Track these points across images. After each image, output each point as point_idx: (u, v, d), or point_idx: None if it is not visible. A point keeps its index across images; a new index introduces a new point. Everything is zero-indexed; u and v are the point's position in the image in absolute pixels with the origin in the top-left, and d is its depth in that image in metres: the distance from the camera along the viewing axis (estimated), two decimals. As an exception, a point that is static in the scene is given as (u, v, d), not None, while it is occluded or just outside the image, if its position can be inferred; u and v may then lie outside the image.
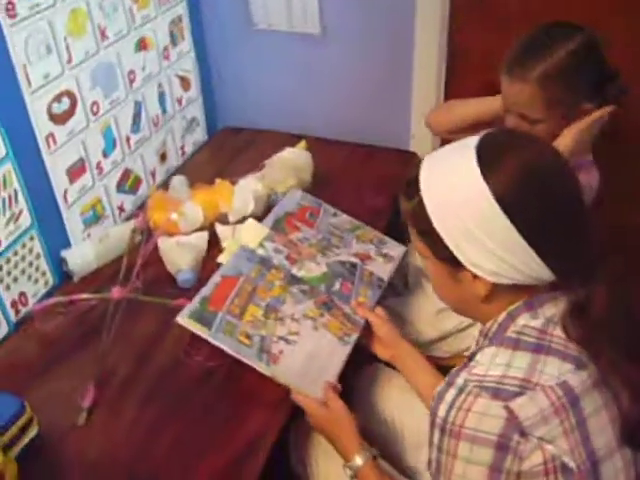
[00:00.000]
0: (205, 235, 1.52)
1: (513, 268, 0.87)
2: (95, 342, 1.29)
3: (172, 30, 1.76)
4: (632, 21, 1.58)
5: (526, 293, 0.91)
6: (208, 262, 1.48)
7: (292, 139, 1.84)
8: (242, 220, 1.53)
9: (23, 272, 1.38)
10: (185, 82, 1.87)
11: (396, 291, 1.73)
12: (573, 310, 0.87)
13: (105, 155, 1.58)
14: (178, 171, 1.87)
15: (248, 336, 1.21)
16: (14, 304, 1.37)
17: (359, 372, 1.47)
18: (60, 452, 1.14)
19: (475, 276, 0.89)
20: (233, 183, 1.63)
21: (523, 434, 0.81)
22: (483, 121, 1.41)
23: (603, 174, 1.36)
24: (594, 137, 1.33)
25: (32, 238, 1.39)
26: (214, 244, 1.52)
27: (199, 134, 2.00)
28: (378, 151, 1.92)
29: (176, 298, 1.34)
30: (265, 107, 2.04)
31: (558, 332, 0.88)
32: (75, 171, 1.49)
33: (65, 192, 1.47)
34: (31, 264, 1.40)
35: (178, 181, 1.67)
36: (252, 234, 1.41)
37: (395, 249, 1.51)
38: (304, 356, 1.22)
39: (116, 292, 1.33)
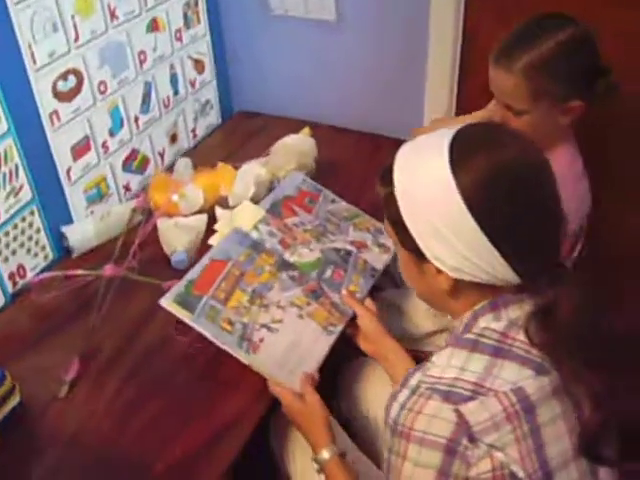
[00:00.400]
0: (204, 218, 1.53)
1: (476, 267, 0.85)
2: (87, 317, 1.31)
3: (186, 12, 1.77)
4: (626, 13, 1.52)
5: (492, 293, 0.89)
6: (205, 245, 1.49)
7: (304, 126, 1.84)
8: (242, 204, 1.54)
9: (22, 245, 1.41)
10: (199, 65, 1.87)
11: (395, 282, 1.71)
12: (538, 314, 0.85)
13: (112, 134, 1.60)
14: (188, 153, 1.88)
15: (230, 322, 1.21)
16: (12, 276, 1.40)
17: (345, 366, 1.47)
18: (40, 423, 1.17)
19: (438, 270, 0.88)
20: (237, 167, 1.64)
21: (472, 439, 0.80)
22: None
23: (599, 174, 1.32)
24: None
25: (32, 213, 1.42)
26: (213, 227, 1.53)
27: (213, 117, 2.01)
28: (388, 141, 1.89)
29: (169, 279, 1.36)
30: (280, 93, 2.04)
31: (521, 336, 0.86)
32: (80, 149, 1.51)
33: (68, 169, 1.50)
34: (30, 238, 1.43)
35: (183, 163, 1.68)
36: (247, 216, 1.41)
37: (392, 240, 1.50)
38: (285, 345, 1.22)
39: (108, 270, 1.35)
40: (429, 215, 0.85)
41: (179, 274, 1.32)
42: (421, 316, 1.61)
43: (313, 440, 1.12)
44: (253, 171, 1.60)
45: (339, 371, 1.49)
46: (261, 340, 1.21)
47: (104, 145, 1.59)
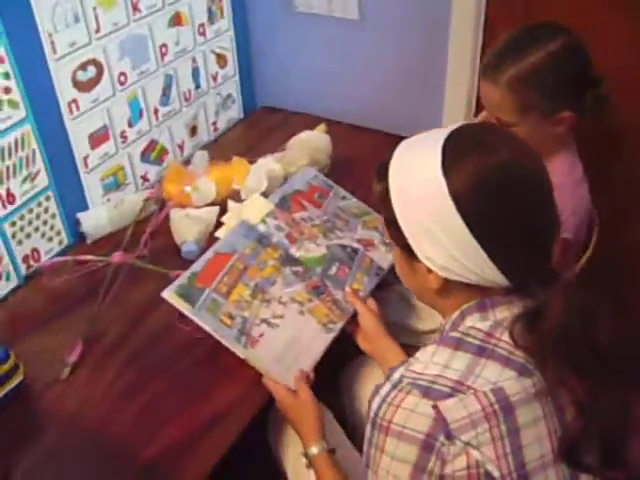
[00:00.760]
0: (215, 210, 1.55)
1: (465, 267, 0.85)
2: (94, 302, 1.34)
3: (210, 7, 1.79)
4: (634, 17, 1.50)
5: (481, 293, 0.89)
6: (215, 237, 1.51)
7: (323, 122, 1.85)
8: (254, 199, 1.55)
9: (37, 229, 1.45)
10: (221, 59, 1.90)
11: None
12: (524, 316, 0.85)
13: (130, 125, 1.64)
14: (208, 146, 1.90)
15: (231, 316, 1.23)
16: (26, 259, 1.44)
17: (346, 365, 1.47)
18: (40, 402, 1.20)
19: (429, 269, 0.88)
20: (253, 162, 1.66)
21: (449, 437, 0.80)
22: None
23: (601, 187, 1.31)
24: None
25: (48, 198, 1.46)
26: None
27: (234, 111, 2.03)
28: (406, 141, 1.89)
29: (179, 269, 1.38)
30: (302, 89, 2.05)
31: (506, 337, 0.86)
32: (98, 137, 1.55)
33: (86, 157, 1.53)
34: (45, 222, 1.47)
35: (200, 156, 1.71)
36: (256, 209, 1.42)
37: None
38: (285, 341, 1.23)
39: (117, 257, 1.38)
40: (420, 214, 0.86)
41: (188, 264, 1.34)
42: (429, 311, 1.60)
43: (303, 435, 1.13)
44: (267, 166, 1.62)
45: (340, 369, 1.49)
46: (261, 335, 1.22)
47: (122, 135, 1.62)
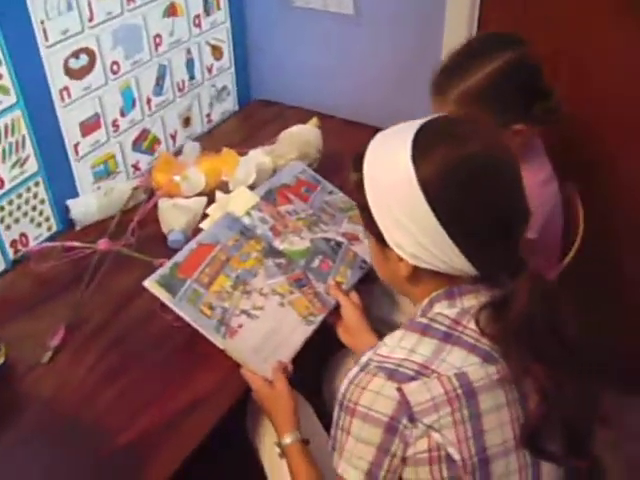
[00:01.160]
0: (203, 200, 1.55)
1: (433, 256, 0.87)
2: (79, 288, 1.36)
3: (206, -1, 1.80)
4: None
5: (450, 282, 0.91)
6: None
7: (317, 116, 1.85)
8: (242, 190, 1.57)
9: (26, 215, 1.47)
10: (217, 51, 1.91)
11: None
12: (491, 305, 0.87)
13: (123, 114, 1.65)
14: (201, 137, 1.92)
15: (211, 307, 1.24)
16: (14, 243, 1.46)
17: (329, 358, 1.48)
18: (21, 385, 1.22)
19: (399, 257, 0.91)
20: (244, 154, 1.67)
21: (412, 419, 0.82)
22: None
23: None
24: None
25: (37, 184, 1.48)
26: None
27: (229, 104, 2.04)
28: (398, 137, 1.90)
29: (164, 258, 1.39)
30: (297, 83, 2.06)
31: (472, 325, 0.88)
32: (89, 125, 1.56)
33: (77, 144, 1.55)
34: (34, 208, 1.49)
35: (191, 147, 1.72)
36: (241, 201, 1.43)
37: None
38: (264, 332, 1.24)
39: (102, 244, 1.40)
40: (390, 202, 0.88)
41: (174, 253, 1.35)
42: (412, 306, 1.61)
43: (277, 426, 1.14)
44: (257, 158, 1.63)
45: (323, 364, 1.51)
46: (240, 326, 1.24)
47: (114, 124, 1.63)
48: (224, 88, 1.99)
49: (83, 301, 1.34)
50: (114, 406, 1.18)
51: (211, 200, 1.57)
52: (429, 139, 0.87)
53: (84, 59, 1.50)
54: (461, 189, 0.84)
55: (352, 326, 1.29)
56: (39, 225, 1.51)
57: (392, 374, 0.84)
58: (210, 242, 1.33)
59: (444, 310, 0.90)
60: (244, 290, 1.29)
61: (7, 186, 1.40)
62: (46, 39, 1.40)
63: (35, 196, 1.48)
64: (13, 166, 1.41)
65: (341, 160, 1.79)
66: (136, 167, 1.74)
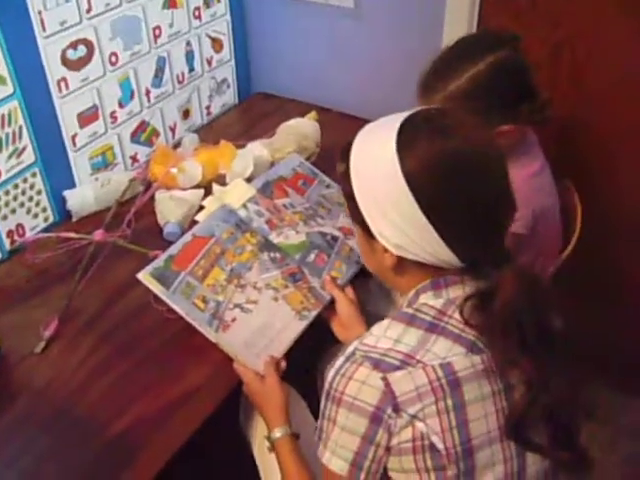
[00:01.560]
0: (200, 192, 1.56)
1: (418, 246, 0.88)
2: (74, 279, 1.36)
3: (206, -9, 1.80)
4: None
5: (435, 273, 0.91)
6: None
7: (317, 110, 1.85)
8: (239, 183, 1.56)
9: (22, 205, 1.47)
10: (217, 43, 1.90)
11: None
12: (476, 296, 0.87)
13: (121, 105, 1.65)
14: (200, 130, 1.92)
15: (204, 300, 1.24)
16: (10, 234, 1.46)
17: (323, 353, 1.48)
18: (13, 374, 1.22)
19: (385, 249, 0.91)
20: (242, 146, 1.67)
21: (396, 409, 0.83)
22: None
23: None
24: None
25: (34, 175, 1.48)
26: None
27: (229, 96, 2.04)
28: (397, 133, 1.89)
29: (160, 250, 1.39)
30: (297, 76, 2.06)
31: (458, 315, 0.88)
32: (87, 117, 1.56)
33: (74, 135, 1.55)
34: (31, 199, 1.49)
35: (189, 139, 1.72)
36: (237, 194, 1.43)
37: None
38: (256, 326, 1.24)
39: (98, 235, 1.40)
40: (375, 192, 0.89)
41: (170, 245, 1.35)
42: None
43: (268, 420, 1.15)
44: (254, 151, 1.63)
45: (318, 359, 1.51)
46: (233, 320, 1.23)
47: (112, 115, 1.63)
48: (224, 81, 1.99)
49: (77, 292, 1.34)
50: (106, 397, 1.18)
51: (208, 192, 1.57)
52: (414, 131, 0.87)
53: (82, 50, 1.50)
54: (445, 181, 0.85)
55: (347, 321, 1.28)
56: (36, 216, 1.52)
57: (377, 364, 0.84)
58: (205, 235, 1.33)
59: (430, 301, 0.90)
60: (238, 284, 1.29)
61: (4, 176, 1.41)
62: (44, 30, 1.40)
63: (32, 187, 1.48)
64: (10, 157, 1.41)
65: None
66: (134, 159, 1.74)
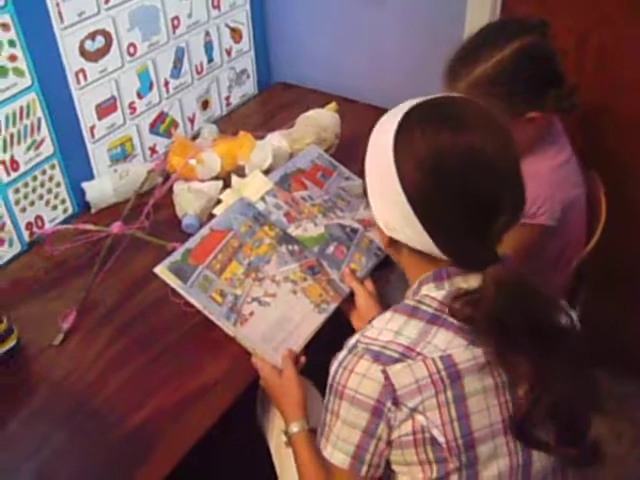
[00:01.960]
0: (218, 184, 1.55)
1: (403, 231, 0.89)
2: (92, 271, 1.36)
3: (225, -20, 1.78)
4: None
5: (435, 263, 0.91)
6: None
7: (338, 100, 1.83)
8: (258, 174, 1.55)
9: (41, 197, 1.47)
10: (236, 33, 1.89)
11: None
12: (466, 295, 0.86)
13: (140, 96, 1.64)
14: (220, 121, 1.90)
15: (222, 294, 1.22)
16: (29, 226, 1.46)
17: (341, 346, 1.47)
18: (32, 366, 1.23)
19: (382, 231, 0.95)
20: (261, 137, 1.65)
21: (396, 403, 0.83)
22: None
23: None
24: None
25: (53, 166, 1.48)
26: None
27: (249, 87, 2.02)
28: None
29: (178, 242, 1.38)
30: (318, 66, 2.03)
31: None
32: (105, 108, 1.56)
33: (92, 127, 1.54)
34: (50, 191, 1.49)
35: (208, 129, 1.71)
36: (255, 187, 1.42)
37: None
38: (274, 320, 1.23)
39: (116, 227, 1.40)
40: (375, 175, 0.92)
41: (188, 238, 1.34)
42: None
43: (285, 414, 1.14)
44: (273, 142, 1.61)
45: (337, 350, 1.49)
46: (251, 314, 1.22)
47: (131, 106, 1.63)
48: (243, 71, 1.97)
49: (95, 284, 1.34)
50: (124, 389, 1.18)
51: (227, 184, 1.56)
52: (412, 122, 0.88)
53: (100, 41, 1.49)
54: (431, 176, 0.85)
55: (366, 313, 1.27)
56: (55, 208, 1.52)
57: (378, 356, 0.85)
58: (223, 228, 1.32)
59: (431, 292, 0.90)
60: (256, 277, 1.28)
61: (22, 169, 1.41)
62: (61, 21, 1.39)
63: (51, 179, 1.48)
64: (28, 148, 1.41)
65: (360, 145, 1.76)
66: (153, 150, 1.74)
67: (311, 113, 1.67)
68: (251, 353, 1.19)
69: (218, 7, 1.79)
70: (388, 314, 0.90)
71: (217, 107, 1.91)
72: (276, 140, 1.63)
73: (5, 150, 1.36)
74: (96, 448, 1.10)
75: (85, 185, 1.55)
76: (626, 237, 1.64)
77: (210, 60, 1.83)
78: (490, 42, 1.24)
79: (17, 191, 1.41)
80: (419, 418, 0.82)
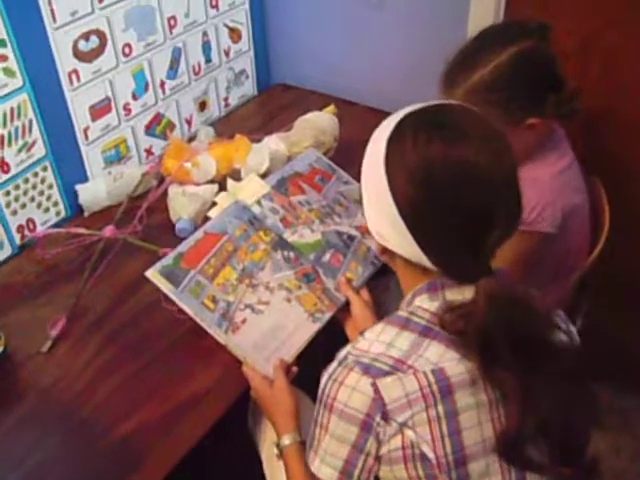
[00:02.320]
0: (213, 188, 1.52)
1: (394, 240, 0.88)
2: (83, 276, 1.34)
3: (223, -20, 1.75)
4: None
5: (428, 274, 0.89)
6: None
7: (337, 103, 1.80)
8: (254, 178, 1.52)
9: (33, 200, 1.44)
10: (235, 34, 1.86)
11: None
12: (457, 308, 0.84)
13: (135, 97, 1.61)
14: (218, 122, 1.88)
15: (214, 300, 1.20)
16: (20, 229, 1.44)
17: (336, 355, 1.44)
18: (20, 373, 1.20)
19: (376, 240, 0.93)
20: (258, 140, 1.62)
21: (385, 417, 0.81)
22: None
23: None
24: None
25: (45, 168, 1.45)
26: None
27: (248, 88, 1.99)
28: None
29: (171, 246, 1.36)
30: (318, 67, 2.00)
31: None
32: (99, 109, 1.53)
33: (86, 129, 1.52)
34: (42, 193, 1.46)
35: (205, 132, 1.68)
36: (251, 190, 1.38)
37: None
38: (267, 328, 1.20)
39: (108, 231, 1.37)
40: (368, 181, 0.91)
41: (180, 242, 1.32)
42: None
43: (276, 426, 1.11)
44: (270, 145, 1.58)
45: (331, 360, 1.46)
46: (243, 321, 1.19)
47: (126, 107, 1.60)
48: (242, 72, 1.94)
49: (86, 290, 1.31)
50: (113, 398, 1.15)
51: (222, 187, 1.53)
52: (404, 132, 0.86)
53: (94, 41, 1.46)
54: (421, 188, 0.83)
55: (361, 323, 1.24)
56: (47, 210, 1.49)
57: (368, 369, 0.83)
58: (217, 231, 1.29)
59: (424, 304, 0.88)
60: (250, 283, 1.25)
61: (13, 171, 1.38)
62: (54, 20, 1.36)
63: (43, 181, 1.45)
64: (19, 150, 1.38)
65: (359, 148, 1.73)
66: (149, 152, 1.71)
67: (309, 116, 1.64)
68: (242, 363, 1.16)
69: (216, 7, 1.76)
70: (380, 326, 0.88)
71: (215, 108, 1.89)
72: (274, 143, 1.60)
73: (-5, 152, 1.34)
74: (84, 458, 1.08)
75: (78, 188, 1.52)
76: (630, 245, 1.61)
77: (208, 60, 1.80)
78: (488, 47, 1.21)
79: (8, 193, 1.38)
80: (408, 433, 0.80)
